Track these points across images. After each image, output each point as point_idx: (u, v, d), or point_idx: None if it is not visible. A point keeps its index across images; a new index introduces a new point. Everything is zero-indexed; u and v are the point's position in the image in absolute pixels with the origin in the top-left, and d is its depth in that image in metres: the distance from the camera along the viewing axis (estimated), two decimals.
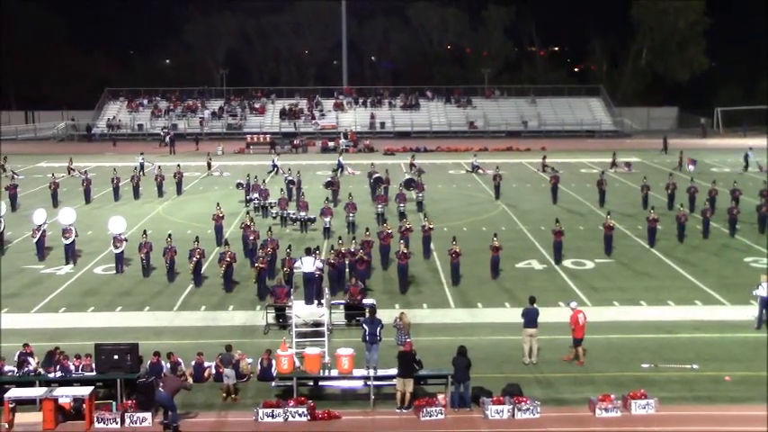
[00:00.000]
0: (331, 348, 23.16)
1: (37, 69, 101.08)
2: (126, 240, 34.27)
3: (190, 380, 21.84)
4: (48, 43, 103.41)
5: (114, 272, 33.69)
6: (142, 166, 55.44)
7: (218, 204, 39.67)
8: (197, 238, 32.99)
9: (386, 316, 25.18)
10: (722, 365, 23.67)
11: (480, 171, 59.29)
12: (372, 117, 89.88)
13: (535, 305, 24.43)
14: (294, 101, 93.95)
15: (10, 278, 33.26)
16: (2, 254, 36.70)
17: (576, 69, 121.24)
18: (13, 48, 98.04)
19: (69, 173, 58.89)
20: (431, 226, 35.94)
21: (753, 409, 20.93)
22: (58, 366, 21.93)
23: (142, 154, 58.52)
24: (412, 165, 57.20)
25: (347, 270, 30.58)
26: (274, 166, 57.79)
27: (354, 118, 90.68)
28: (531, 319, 24.03)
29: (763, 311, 26.66)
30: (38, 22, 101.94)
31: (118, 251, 33.74)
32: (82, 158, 65.76)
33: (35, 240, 36.07)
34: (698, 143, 79.72)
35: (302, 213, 40.71)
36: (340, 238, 32.75)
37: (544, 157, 61.48)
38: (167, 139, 77.18)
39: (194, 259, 31.51)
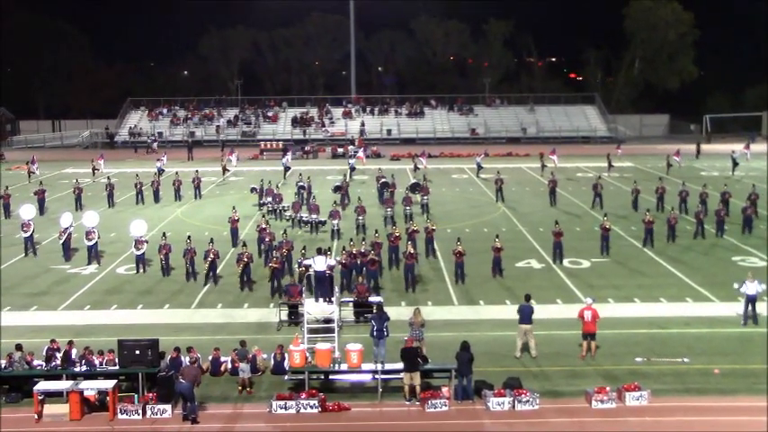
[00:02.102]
0: (341, 344, 23.18)
1: (64, 81, 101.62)
2: (146, 242, 34.33)
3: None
4: (74, 57, 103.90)
5: (135, 272, 33.79)
6: (160, 171, 55.55)
7: (233, 208, 39.73)
8: (212, 239, 33.03)
9: (394, 313, 25.23)
10: (711, 359, 23.64)
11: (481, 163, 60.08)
12: (363, 125, 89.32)
13: (531, 302, 24.42)
14: (305, 109, 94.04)
15: (38, 277, 33.41)
16: (33, 254, 36.76)
17: (572, 77, 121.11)
18: (41, 61, 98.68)
19: (94, 173, 59.26)
20: (433, 227, 35.96)
21: (740, 399, 20.92)
22: (83, 361, 22.01)
23: (159, 160, 58.68)
24: (416, 167, 58.31)
25: (356, 270, 30.52)
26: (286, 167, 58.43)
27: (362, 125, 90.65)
28: (525, 315, 23.97)
29: (749, 308, 26.66)
30: (65, 38, 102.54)
31: (139, 252, 33.82)
32: (105, 164, 65.77)
33: (61, 242, 36.19)
34: (689, 148, 79.45)
35: (314, 216, 40.76)
36: (351, 240, 32.80)
37: (542, 156, 61.53)
38: (154, 145, 79.48)
39: (209, 259, 31.56)
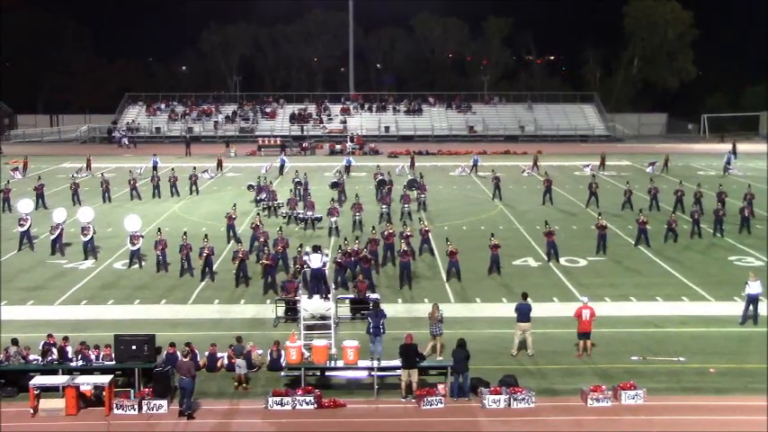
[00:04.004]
0: (337, 340, 23.18)
1: (63, 76, 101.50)
2: (142, 237, 34.28)
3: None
4: (73, 52, 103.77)
5: (129, 266, 33.72)
6: (155, 166, 55.45)
7: (234, 205, 39.72)
8: (206, 236, 33.05)
9: (390, 310, 25.26)
10: (707, 358, 23.67)
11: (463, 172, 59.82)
12: (344, 122, 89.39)
13: (528, 300, 24.43)
14: (303, 106, 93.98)
15: (35, 272, 33.38)
16: (30, 248, 36.70)
17: (568, 74, 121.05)
18: (40, 56, 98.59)
19: (89, 169, 59.27)
20: (427, 228, 36.02)
21: (736, 399, 20.96)
22: (79, 356, 22.02)
23: (155, 155, 58.61)
24: (413, 164, 58.30)
25: (351, 268, 30.54)
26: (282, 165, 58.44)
27: (361, 122, 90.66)
28: (523, 313, 23.99)
29: (750, 308, 26.65)
30: (64, 33, 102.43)
31: (135, 248, 33.79)
32: (102, 160, 65.92)
33: (52, 238, 36.12)
34: (687, 147, 79.66)
35: (309, 213, 40.76)
36: (345, 239, 32.84)
37: (537, 153, 61.70)
38: (124, 140, 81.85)
39: (204, 255, 31.60)
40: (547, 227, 35.16)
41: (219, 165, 60.87)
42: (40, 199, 45.79)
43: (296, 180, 48.43)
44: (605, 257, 35.32)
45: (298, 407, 20.38)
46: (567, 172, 60.91)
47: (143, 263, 33.87)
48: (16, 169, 57.99)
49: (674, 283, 31.53)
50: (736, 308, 27.30)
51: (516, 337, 23.98)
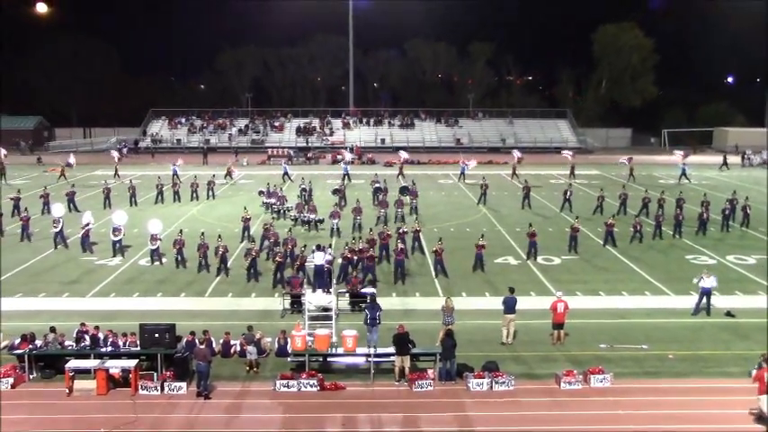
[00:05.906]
0: (338, 330, 23.19)
1: (95, 93, 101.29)
2: (160, 240, 34.14)
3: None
4: (104, 71, 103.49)
5: (153, 264, 33.67)
6: (176, 173, 55.27)
7: (245, 208, 39.72)
8: (219, 236, 33.13)
9: (385, 303, 25.26)
10: (667, 346, 23.78)
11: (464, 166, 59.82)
12: (332, 134, 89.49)
13: (514, 294, 24.46)
14: (308, 120, 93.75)
15: (69, 268, 33.32)
16: (64, 247, 36.63)
17: (544, 93, 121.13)
18: (75, 75, 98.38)
19: (117, 176, 59.15)
20: (417, 228, 36.07)
21: (692, 381, 21.09)
22: (108, 342, 22.05)
23: (174, 164, 58.49)
24: (401, 173, 58.62)
25: (352, 265, 30.55)
26: (286, 173, 58.31)
27: (359, 135, 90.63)
28: (509, 306, 24.04)
29: (703, 300, 26.80)
30: (96, 53, 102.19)
31: (154, 247, 33.78)
32: (129, 168, 65.78)
33: (81, 237, 36.13)
34: (649, 158, 79.65)
35: (312, 216, 40.79)
36: (353, 239, 32.89)
37: (516, 163, 61.89)
38: (124, 151, 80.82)
39: (220, 253, 31.60)
40: (531, 228, 35.22)
41: (229, 173, 60.76)
42: (71, 203, 45.74)
43: (302, 186, 48.46)
44: (577, 256, 35.38)
45: (302, 389, 20.42)
46: (543, 180, 60.92)
47: (164, 260, 33.84)
48: (62, 173, 58.31)
49: (638, 280, 31.60)
50: (692, 301, 27.36)
51: (504, 328, 24.00)
